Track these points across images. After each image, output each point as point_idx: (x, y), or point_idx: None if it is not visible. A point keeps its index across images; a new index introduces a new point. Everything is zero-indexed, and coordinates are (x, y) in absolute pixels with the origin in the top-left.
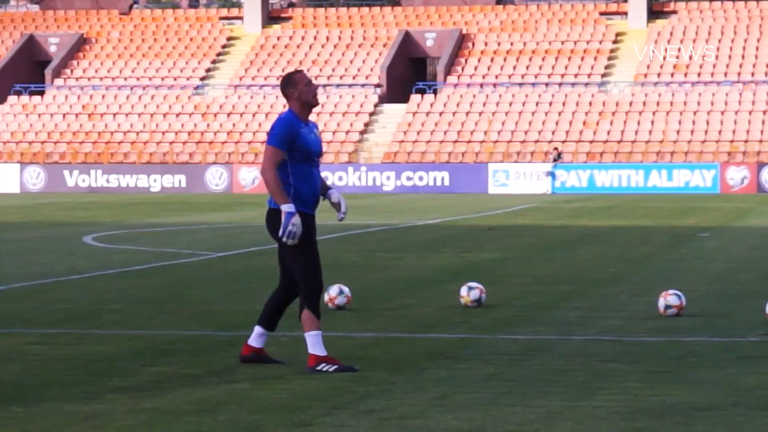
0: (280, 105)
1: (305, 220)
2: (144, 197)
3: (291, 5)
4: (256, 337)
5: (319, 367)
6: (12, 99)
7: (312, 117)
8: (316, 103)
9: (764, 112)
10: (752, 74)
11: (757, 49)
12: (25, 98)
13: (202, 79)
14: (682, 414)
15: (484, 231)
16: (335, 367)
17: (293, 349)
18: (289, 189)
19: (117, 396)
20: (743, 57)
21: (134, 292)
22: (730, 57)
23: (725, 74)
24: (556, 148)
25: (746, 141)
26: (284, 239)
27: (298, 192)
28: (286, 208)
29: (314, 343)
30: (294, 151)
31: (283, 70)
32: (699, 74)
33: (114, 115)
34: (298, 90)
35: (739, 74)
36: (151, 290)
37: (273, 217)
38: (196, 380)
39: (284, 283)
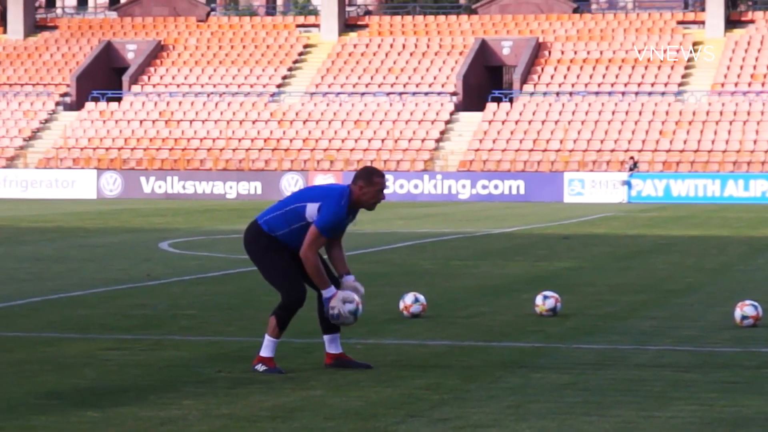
0: (356, 113)
1: (269, 239)
2: (220, 204)
3: (368, 13)
4: (329, 344)
5: (257, 366)
6: (90, 105)
7: (387, 125)
8: (370, 209)
9: None
10: None
11: None
12: (102, 105)
13: (279, 86)
14: (759, 425)
15: (559, 240)
16: (265, 368)
17: (368, 356)
18: (283, 228)
19: (192, 402)
20: None
21: (210, 299)
22: None
23: None
24: (632, 158)
25: None
26: (337, 321)
27: (286, 239)
28: (326, 293)
29: (265, 347)
30: (303, 219)
31: (359, 78)
32: None
33: (190, 122)
34: (368, 191)
35: None
36: (227, 296)
37: (258, 237)
38: (270, 386)
39: (318, 293)
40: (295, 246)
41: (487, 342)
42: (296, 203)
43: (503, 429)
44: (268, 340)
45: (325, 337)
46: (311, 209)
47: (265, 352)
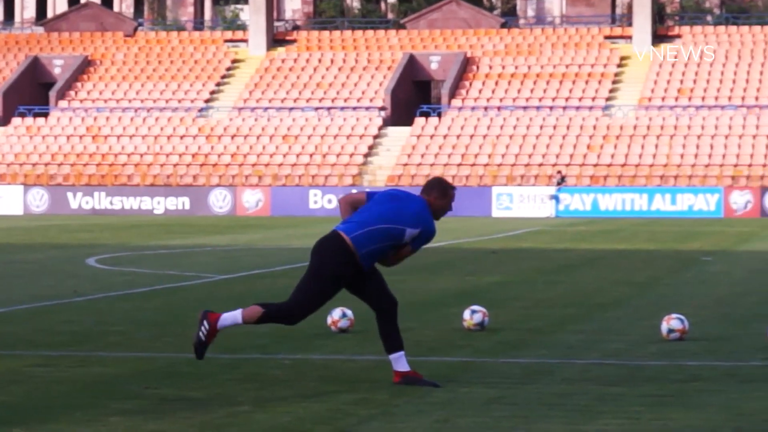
0: (284, 128)
1: (346, 271)
2: (147, 219)
3: (296, 28)
4: (395, 362)
5: (205, 319)
6: (16, 121)
7: (316, 139)
8: (437, 220)
9: None
10: (756, 98)
11: (761, 73)
12: (29, 120)
13: (207, 101)
14: None
15: (487, 254)
16: (206, 326)
17: (296, 372)
18: (372, 245)
19: (119, 418)
20: (747, 81)
21: (137, 315)
22: (734, 81)
23: (729, 98)
24: (559, 172)
25: (750, 165)
26: None
27: (374, 255)
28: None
29: (228, 317)
30: (405, 243)
31: (287, 93)
32: (703, 98)
33: (118, 137)
34: (442, 203)
35: (743, 98)
36: (154, 312)
37: (339, 252)
38: (198, 403)
39: (374, 308)
40: (372, 262)
41: (415, 357)
42: (388, 224)
43: None
44: (236, 316)
45: (390, 357)
46: (411, 233)
47: (223, 321)
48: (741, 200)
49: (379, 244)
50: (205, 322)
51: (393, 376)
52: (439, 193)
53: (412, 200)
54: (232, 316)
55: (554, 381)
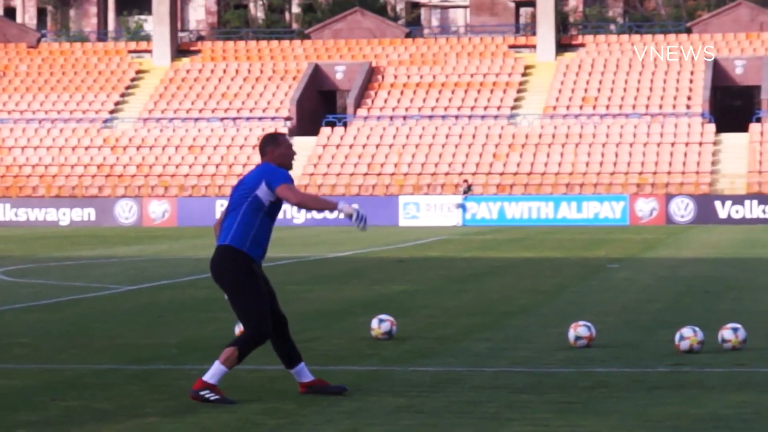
0: (189, 138)
1: (254, 266)
2: (53, 231)
3: (200, 38)
4: (298, 375)
5: (202, 392)
6: None
7: (222, 150)
8: (290, 168)
9: (672, 144)
10: (660, 106)
11: (664, 81)
12: None
13: (111, 112)
14: None
15: (394, 263)
16: (216, 396)
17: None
18: (250, 231)
19: (25, 431)
20: (651, 89)
21: (43, 326)
22: (637, 89)
23: (633, 107)
24: (466, 181)
25: (655, 173)
26: (362, 225)
27: (258, 238)
28: (341, 207)
29: (214, 374)
30: (273, 203)
31: (192, 103)
32: (607, 106)
33: (23, 148)
34: (280, 150)
35: (647, 106)
36: (60, 324)
37: (232, 260)
38: (104, 414)
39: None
40: (259, 249)
41: (323, 366)
42: (244, 202)
43: None
44: (219, 368)
45: (292, 371)
46: (263, 191)
47: (213, 379)
48: (646, 208)
49: (251, 224)
50: (206, 392)
51: (298, 387)
52: (272, 146)
53: (250, 172)
54: (218, 371)
55: (463, 389)
